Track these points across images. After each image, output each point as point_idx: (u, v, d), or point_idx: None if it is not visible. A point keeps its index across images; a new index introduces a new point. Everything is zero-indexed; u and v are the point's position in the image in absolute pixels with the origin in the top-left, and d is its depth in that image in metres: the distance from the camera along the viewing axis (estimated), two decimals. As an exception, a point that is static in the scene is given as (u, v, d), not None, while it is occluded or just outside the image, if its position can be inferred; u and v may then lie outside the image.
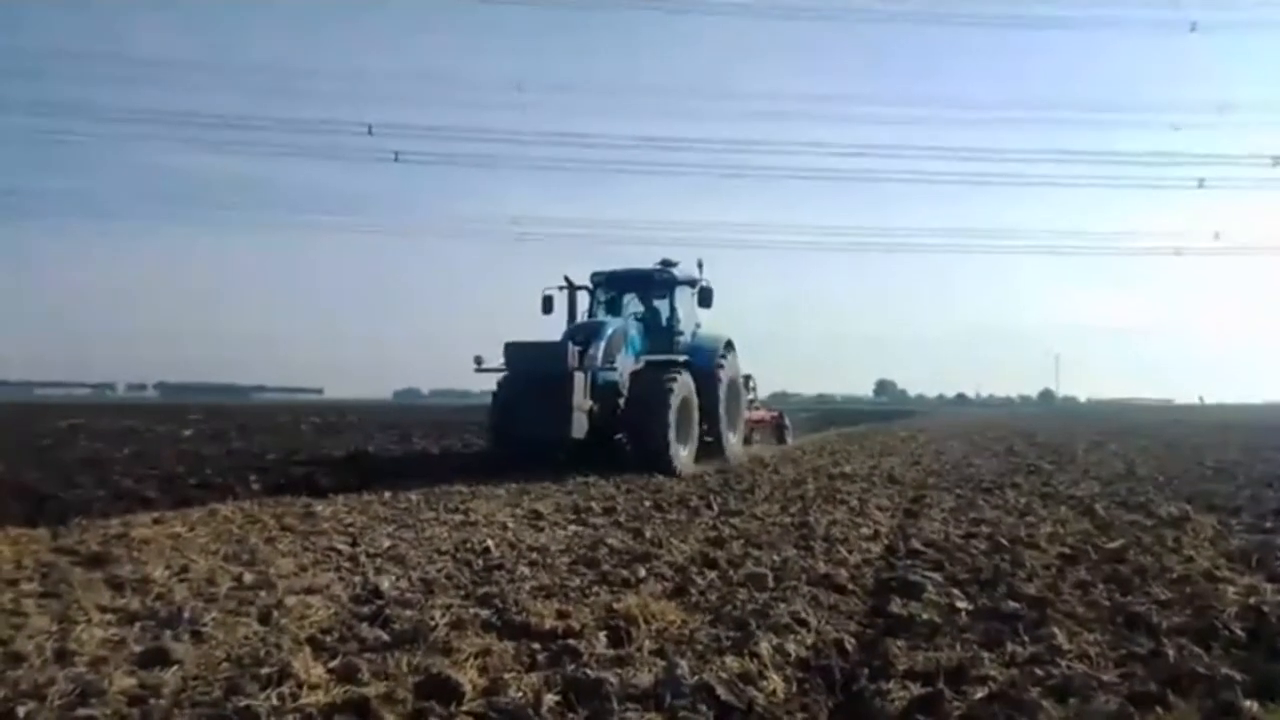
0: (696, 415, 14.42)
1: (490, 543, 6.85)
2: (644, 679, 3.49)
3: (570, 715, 3.15)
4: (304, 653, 3.86)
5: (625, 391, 13.73)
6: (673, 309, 15.83)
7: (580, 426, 12.78)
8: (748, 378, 19.58)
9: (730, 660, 3.72)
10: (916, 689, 3.51)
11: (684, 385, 13.95)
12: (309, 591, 5.17)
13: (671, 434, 13.24)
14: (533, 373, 13.10)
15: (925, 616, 4.64)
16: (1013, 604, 4.89)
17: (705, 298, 15.92)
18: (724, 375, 15.73)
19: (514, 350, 13.37)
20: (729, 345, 16.42)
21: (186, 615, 4.55)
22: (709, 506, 9.37)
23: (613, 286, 16.22)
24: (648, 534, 7.43)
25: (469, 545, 6.79)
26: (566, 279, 15.97)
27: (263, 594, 5.09)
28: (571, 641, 4.03)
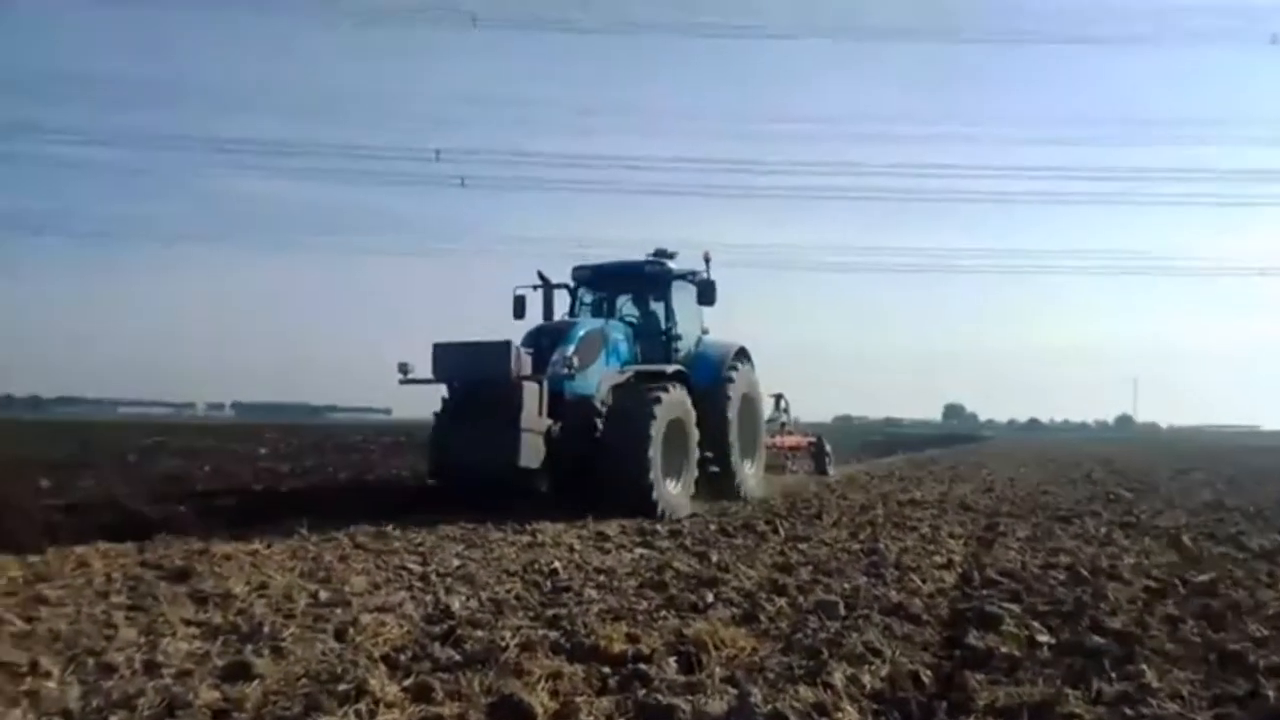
0: (695, 441, 11.56)
1: (558, 564, 6.89)
2: (716, 706, 3.46)
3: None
4: (379, 670, 3.93)
5: (603, 409, 10.89)
6: (669, 310, 12.82)
7: (531, 453, 9.89)
8: (778, 397, 17.82)
9: (803, 690, 3.66)
10: (998, 725, 3.40)
11: (674, 403, 11.00)
12: (382, 610, 5.26)
13: (653, 464, 10.32)
14: (468, 383, 10.40)
15: (1004, 649, 4.50)
16: (1097, 639, 4.72)
17: (706, 293, 12.80)
18: (734, 391, 12.87)
19: (444, 354, 10.35)
20: (741, 355, 13.57)
21: (266, 630, 4.67)
22: (775, 531, 9.26)
23: (598, 284, 13.28)
24: (714, 558, 7.38)
25: (536, 566, 6.84)
26: (541, 275, 13.01)
27: (338, 611, 5.20)
28: (642, 666, 4.02)
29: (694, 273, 13.07)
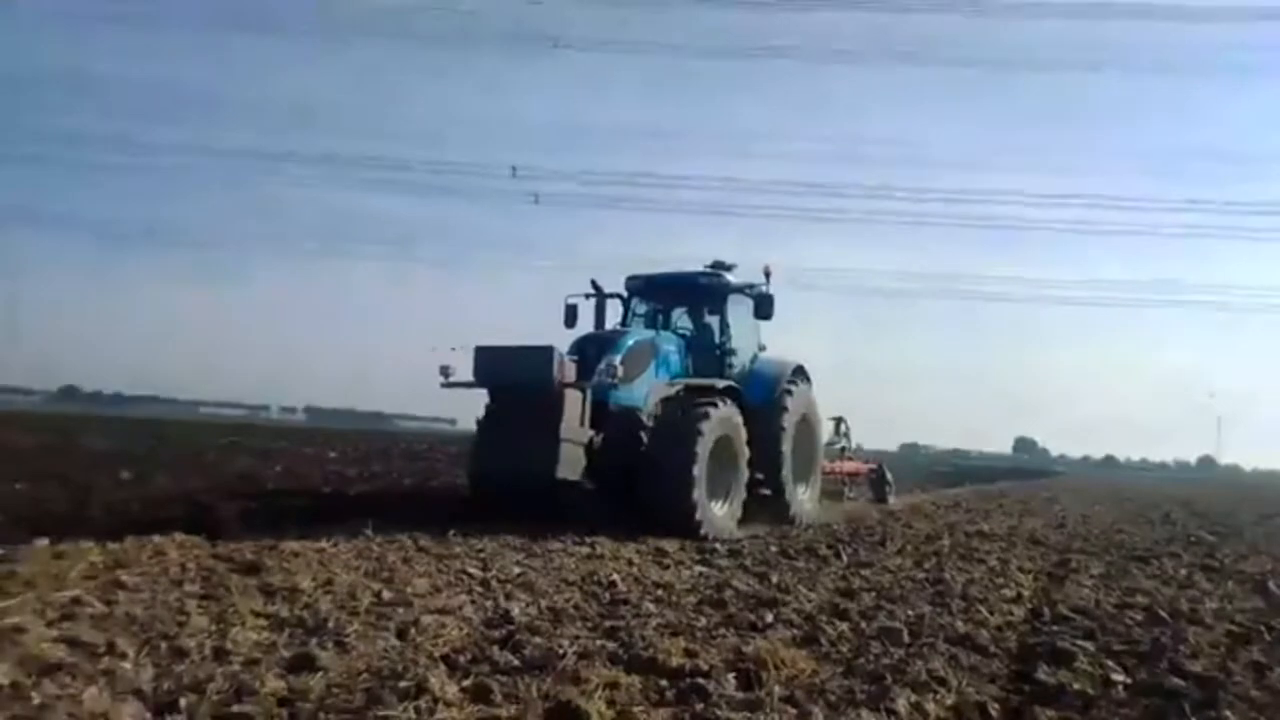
0: (745, 461, 11.06)
1: (616, 577, 6.87)
2: (775, 726, 3.40)
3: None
4: (439, 670, 3.97)
5: (649, 422, 10.48)
6: (724, 323, 12.41)
7: (570, 464, 9.48)
8: (839, 420, 17.32)
9: (865, 714, 3.58)
10: (1070, 763, 3.27)
11: (724, 420, 10.53)
12: (443, 612, 5.31)
13: (697, 482, 9.89)
14: (509, 388, 10.02)
15: (1077, 686, 4.33)
16: (1177, 681, 4.51)
17: (763, 306, 12.21)
18: (790, 411, 12.31)
19: (485, 358, 9.98)
20: (799, 374, 13.06)
21: (331, 625, 4.76)
22: (838, 556, 9.09)
23: (651, 294, 12.84)
24: (774, 579, 7.27)
25: (595, 578, 6.83)
26: (594, 284, 12.71)
27: (400, 611, 5.26)
28: (700, 681, 3.97)
29: (751, 286, 12.54)
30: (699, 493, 9.90)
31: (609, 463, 9.95)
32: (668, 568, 7.77)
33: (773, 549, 9.38)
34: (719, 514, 10.50)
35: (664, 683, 4.02)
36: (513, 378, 9.89)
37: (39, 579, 5.59)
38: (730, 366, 12.27)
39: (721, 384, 11.39)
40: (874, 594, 6.84)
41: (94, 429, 29.06)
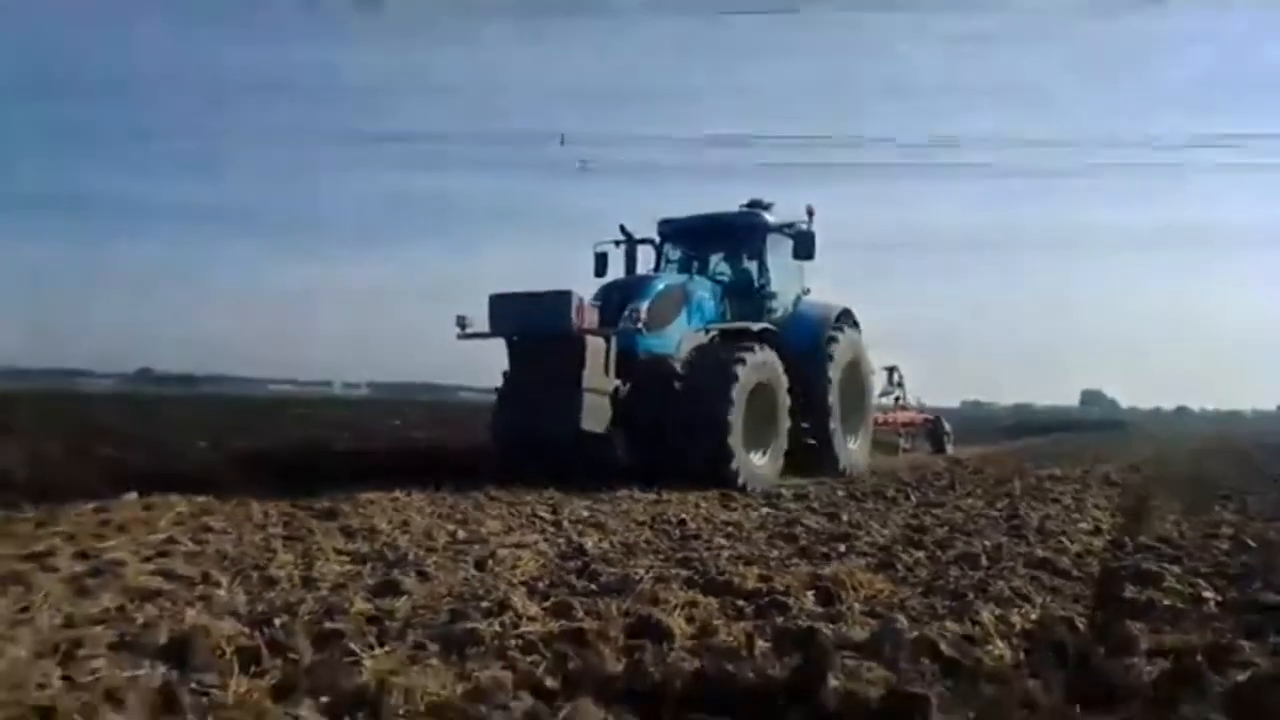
0: (786, 409, 10.53)
1: (685, 516, 6.90)
2: (859, 634, 3.38)
3: (784, 660, 3.08)
4: (520, 592, 4.03)
5: (681, 370, 9.84)
6: (762, 265, 11.63)
7: (594, 416, 8.97)
8: (892, 370, 16.79)
9: (950, 625, 3.54)
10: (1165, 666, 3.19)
11: (761, 365, 10.00)
12: (518, 546, 5.40)
13: (732, 429, 9.35)
14: (527, 337, 9.46)
15: (1166, 603, 4.22)
16: (1273, 596, 4.36)
17: (803, 246, 11.35)
18: (836, 356, 11.70)
19: (501, 305, 9.37)
20: (846, 317, 12.38)
21: (411, 559, 4.87)
22: (907, 497, 9.00)
23: (685, 239, 12.10)
24: (844, 518, 7.23)
25: (664, 518, 6.88)
26: (623, 229, 11.99)
27: (476, 547, 5.36)
28: (779, 598, 3.97)
29: (791, 224, 11.68)
30: (735, 441, 9.34)
31: (639, 414, 9.44)
32: (734, 510, 7.78)
33: (839, 493, 9.33)
34: (758, 464, 9.94)
35: (741, 603, 4.03)
36: (530, 326, 9.25)
37: (132, 525, 5.82)
38: (771, 311, 11.51)
39: (757, 327, 10.72)
40: (947, 528, 6.76)
41: (171, 404, 30.04)
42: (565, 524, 6.46)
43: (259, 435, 16.12)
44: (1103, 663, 3.26)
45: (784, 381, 10.45)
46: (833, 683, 2.73)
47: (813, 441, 11.33)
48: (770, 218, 11.74)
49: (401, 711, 2.65)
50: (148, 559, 4.70)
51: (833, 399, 11.50)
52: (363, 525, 6.00)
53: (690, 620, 3.69)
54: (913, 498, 9.03)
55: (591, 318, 9.10)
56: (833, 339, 11.84)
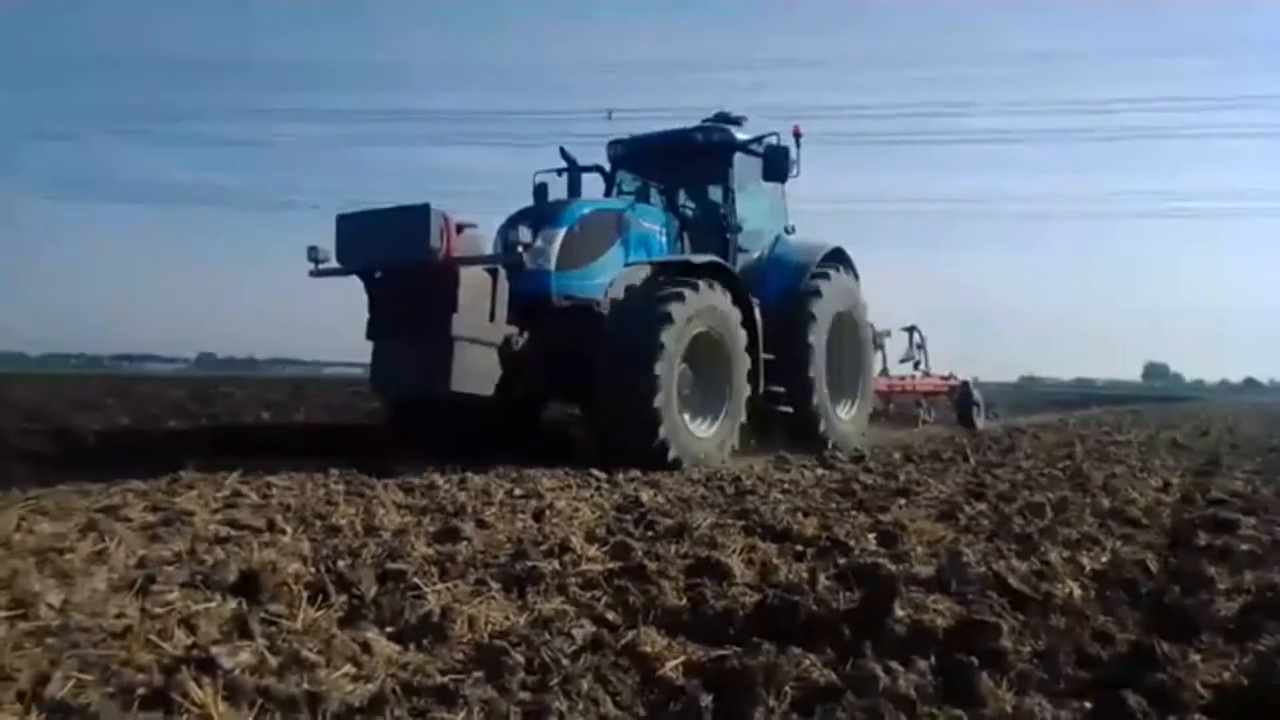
0: (744, 367, 8.26)
1: (740, 474, 6.86)
2: (924, 571, 3.32)
3: (847, 594, 3.04)
4: (579, 536, 4.04)
5: (607, 315, 7.90)
6: (728, 192, 9.52)
7: (474, 371, 6.83)
8: (912, 329, 14.83)
9: (1017, 563, 3.46)
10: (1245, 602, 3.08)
11: (704, 309, 7.72)
12: (574, 499, 5.42)
13: (660, 386, 7.17)
14: (385, 270, 7.24)
15: (1245, 548, 4.08)
16: (1359, 541, 4.19)
17: (775, 164, 9.35)
18: (821, 305, 9.57)
19: (349, 229, 7.14)
20: (836, 258, 10.24)
21: (469, 510, 4.92)
22: (965, 459, 8.84)
23: (639, 163, 9.92)
24: (901, 477, 7.13)
25: (719, 474, 6.84)
26: (564, 153, 9.83)
27: (533, 501, 5.39)
28: (840, 541, 3.92)
29: (759, 139, 9.68)
30: (663, 403, 7.22)
31: (550, 372, 7.64)
32: (789, 471, 7.70)
33: (896, 455, 9.20)
34: (702, 435, 7.88)
35: (800, 547, 3.99)
36: (382, 254, 7.07)
37: (198, 484, 5.96)
38: (743, 250, 9.60)
39: (701, 259, 8.39)
40: (1009, 485, 6.63)
41: (234, 384, 30.83)
42: (619, 480, 6.47)
43: (316, 410, 16.46)
44: (1179, 600, 3.16)
45: (739, 334, 8.21)
46: (899, 612, 2.68)
47: (788, 409, 9.32)
48: (740, 134, 9.72)
49: (466, 639, 2.67)
50: (215, 510, 4.81)
51: (815, 357, 9.46)
52: (421, 481, 6.07)
53: (749, 563, 3.66)
54: (971, 460, 8.86)
55: (463, 243, 6.90)
56: (816, 284, 9.72)
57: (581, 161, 9.93)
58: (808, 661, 2.31)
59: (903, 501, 5.56)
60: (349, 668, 2.36)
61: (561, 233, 7.85)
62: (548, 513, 4.90)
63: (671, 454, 7.31)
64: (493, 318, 7.01)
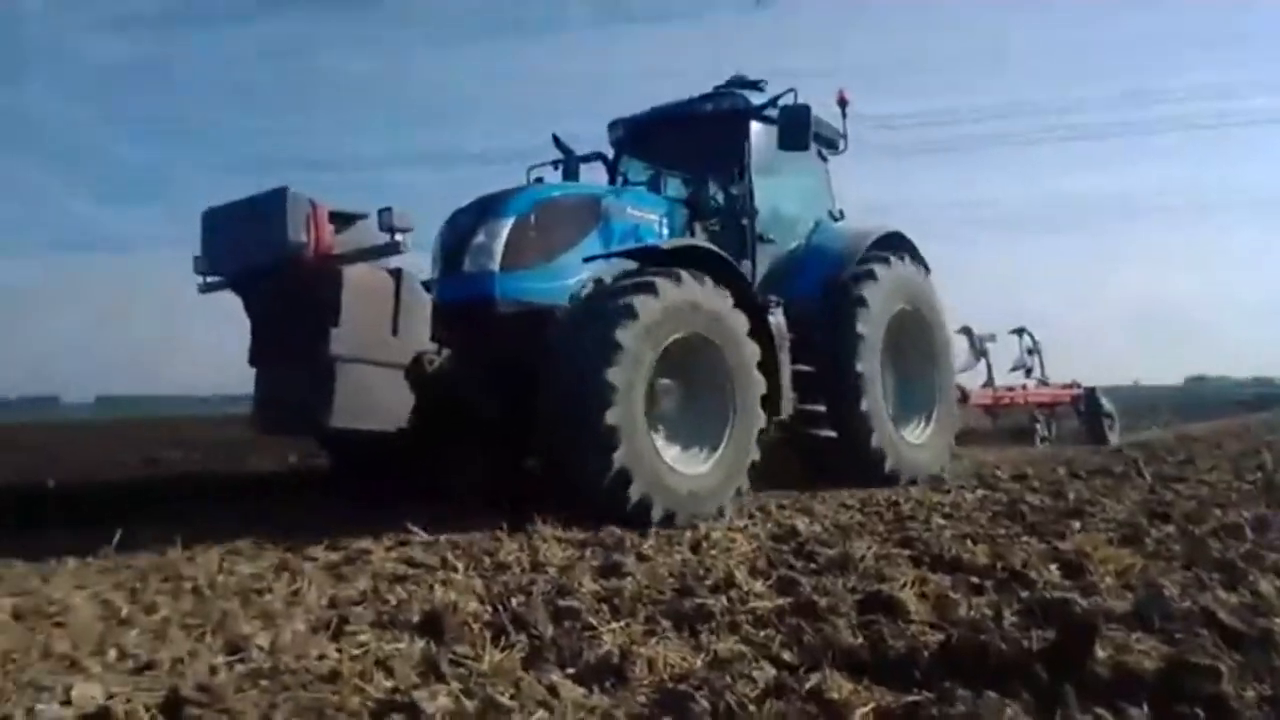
0: (753, 381, 6.40)
1: (898, 498, 6.67)
2: (1118, 605, 3.12)
3: (1038, 633, 2.89)
4: (741, 571, 4.02)
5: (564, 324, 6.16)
6: (743, 169, 7.81)
7: (360, 404, 5.32)
8: (1021, 332, 13.25)
9: (1223, 594, 3.20)
10: None
11: (678, 309, 5.91)
12: (730, 530, 5.40)
13: (615, 409, 5.45)
14: (245, 274, 5.75)
15: None
16: None
17: (792, 129, 7.45)
18: (873, 300, 7.86)
19: (213, 225, 5.73)
20: (892, 243, 8.45)
21: (628, 544, 4.97)
22: (1139, 474, 8.28)
23: (646, 146, 8.45)
24: (1071, 496, 6.74)
25: (875, 500, 6.67)
26: (556, 140, 8.29)
27: (688, 533, 5.39)
28: (1019, 572, 3.74)
29: (774, 101, 7.91)
30: (621, 421, 5.47)
31: (495, 396, 5.98)
32: (948, 492, 7.42)
33: (1060, 471, 8.71)
34: (686, 474, 5.96)
35: (975, 579, 3.83)
36: (241, 255, 5.62)
37: (372, 517, 6.27)
38: (765, 239, 7.89)
39: (673, 245, 6.64)
40: (1195, 502, 6.16)
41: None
42: (773, 509, 6.39)
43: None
44: None
45: (744, 346, 6.37)
46: (1100, 653, 2.53)
47: (831, 434, 7.75)
48: (756, 99, 8.09)
49: (647, 681, 2.69)
50: (389, 548, 5.05)
51: (865, 366, 7.68)
52: (575, 514, 6.18)
53: (922, 597, 3.54)
54: (1145, 475, 8.29)
55: (356, 239, 5.45)
56: (865, 275, 7.95)
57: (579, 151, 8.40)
58: (1009, 710, 2.20)
59: (1077, 524, 5.25)
60: (542, 713, 2.42)
61: (508, 224, 6.27)
62: (704, 544, 4.90)
63: (635, 490, 5.52)
64: (395, 331, 5.56)
